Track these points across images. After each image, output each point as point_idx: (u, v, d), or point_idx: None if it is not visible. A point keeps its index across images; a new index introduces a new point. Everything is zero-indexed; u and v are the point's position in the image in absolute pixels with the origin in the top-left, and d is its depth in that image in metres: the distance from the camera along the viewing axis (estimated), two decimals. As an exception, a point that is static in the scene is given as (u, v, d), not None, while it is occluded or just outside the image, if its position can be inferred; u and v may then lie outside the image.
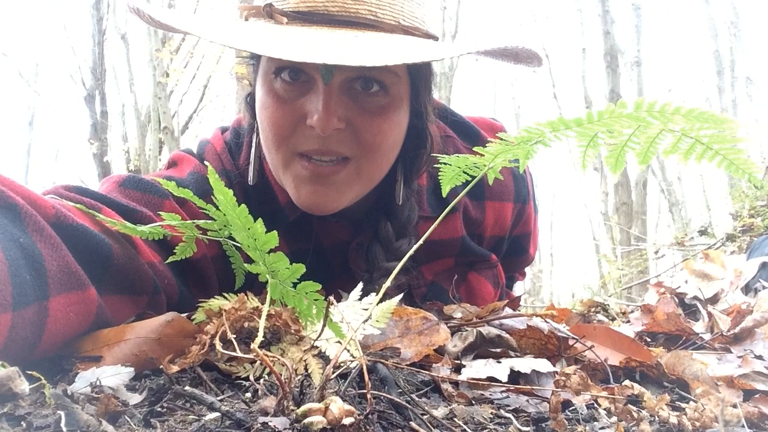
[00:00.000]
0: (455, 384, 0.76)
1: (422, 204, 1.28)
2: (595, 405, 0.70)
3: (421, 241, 0.73)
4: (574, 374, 0.69)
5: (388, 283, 0.70)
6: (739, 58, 14.35)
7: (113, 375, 0.66)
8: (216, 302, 0.83)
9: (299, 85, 1.05)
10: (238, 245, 0.67)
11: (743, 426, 0.61)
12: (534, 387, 0.76)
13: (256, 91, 1.13)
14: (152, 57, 10.58)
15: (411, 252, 0.72)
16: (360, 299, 0.85)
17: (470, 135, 1.36)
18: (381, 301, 0.74)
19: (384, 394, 0.63)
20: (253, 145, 1.21)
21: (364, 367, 0.58)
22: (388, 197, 1.22)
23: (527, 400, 0.71)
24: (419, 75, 1.12)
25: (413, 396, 0.67)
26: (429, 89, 1.18)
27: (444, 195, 0.88)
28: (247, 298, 0.83)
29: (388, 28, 0.98)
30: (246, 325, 0.79)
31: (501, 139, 0.72)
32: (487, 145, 0.74)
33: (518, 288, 1.87)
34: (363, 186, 1.13)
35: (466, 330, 0.92)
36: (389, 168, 1.16)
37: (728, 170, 0.61)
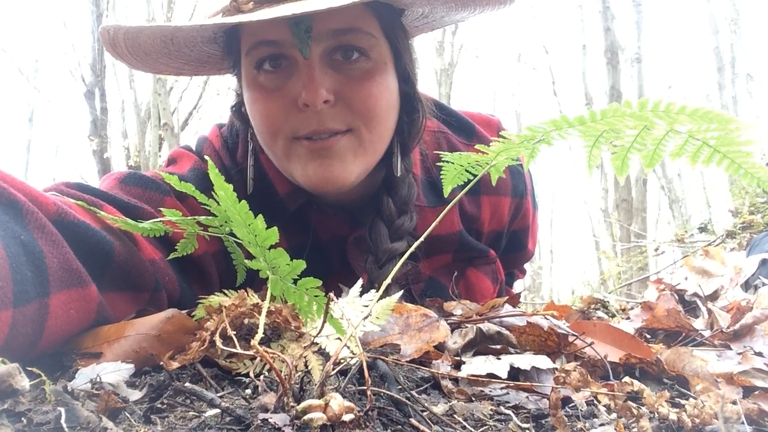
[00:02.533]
0: (455, 380, 0.76)
1: (418, 195, 1.28)
2: (595, 402, 0.70)
3: (422, 238, 0.73)
4: (574, 371, 0.69)
5: (388, 280, 0.70)
6: (739, 54, 14.34)
7: (113, 371, 0.67)
8: (216, 299, 0.83)
9: (282, 72, 1.07)
10: (239, 241, 0.67)
11: (743, 423, 0.61)
12: (534, 384, 0.76)
13: (243, 94, 1.14)
14: (152, 53, 10.54)
15: (420, 241, 0.73)
16: (360, 295, 0.85)
17: (464, 129, 1.36)
18: (382, 296, 0.74)
19: (384, 391, 0.63)
20: (249, 143, 1.22)
21: (364, 364, 0.58)
22: (387, 176, 1.23)
23: (527, 397, 0.72)
24: (396, 35, 1.13)
25: (413, 392, 0.68)
26: (409, 51, 1.19)
27: (446, 195, 0.88)
28: (247, 295, 0.83)
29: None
30: (246, 321, 0.79)
31: (502, 137, 0.72)
32: (485, 141, 0.74)
33: (518, 285, 1.87)
34: (366, 158, 1.13)
35: (466, 327, 0.92)
36: (389, 138, 1.17)
37: (736, 174, 0.61)
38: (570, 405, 0.68)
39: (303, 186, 1.13)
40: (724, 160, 0.61)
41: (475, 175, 0.81)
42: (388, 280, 0.70)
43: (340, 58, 1.06)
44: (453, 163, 0.81)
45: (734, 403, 0.66)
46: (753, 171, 0.60)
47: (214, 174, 0.64)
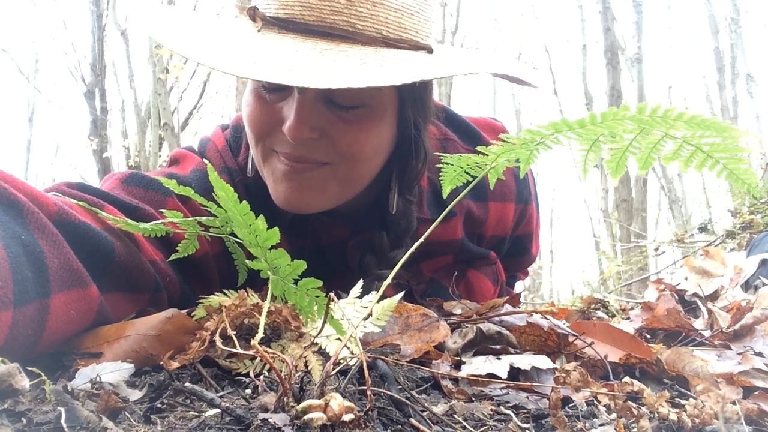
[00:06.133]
0: (455, 380, 0.76)
1: (422, 207, 1.27)
2: (595, 402, 0.70)
3: (417, 244, 0.73)
4: (574, 371, 0.69)
5: (388, 281, 0.70)
6: (739, 55, 14.36)
7: (113, 371, 0.67)
8: (216, 299, 0.83)
9: (280, 93, 1.04)
10: (241, 242, 0.67)
11: (743, 423, 0.61)
12: (534, 384, 0.76)
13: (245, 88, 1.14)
14: (152, 53, 10.58)
15: (403, 259, 0.72)
16: (360, 297, 0.85)
17: (471, 136, 1.36)
18: (380, 299, 0.74)
19: (384, 391, 0.63)
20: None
21: (364, 364, 0.59)
22: (385, 198, 1.21)
23: (527, 397, 0.72)
24: (405, 86, 1.04)
25: (413, 392, 0.68)
26: (419, 101, 1.12)
27: (444, 196, 0.87)
28: (247, 295, 0.83)
29: (367, 40, 0.93)
30: (246, 321, 0.79)
31: (503, 140, 0.72)
32: (488, 145, 0.74)
33: (518, 285, 1.88)
34: (343, 189, 1.10)
35: (466, 327, 0.92)
36: (374, 175, 1.14)
37: (728, 179, 0.61)
38: (570, 405, 0.69)
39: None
40: (716, 165, 0.62)
41: (474, 178, 0.81)
42: (388, 281, 0.70)
43: (337, 100, 1.01)
44: (452, 165, 0.81)
45: (734, 403, 0.66)
46: (744, 177, 0.61)
47: (214, 176, 0.64)
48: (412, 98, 1.11)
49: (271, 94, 1.05)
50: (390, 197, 1.18)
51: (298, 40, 0.93)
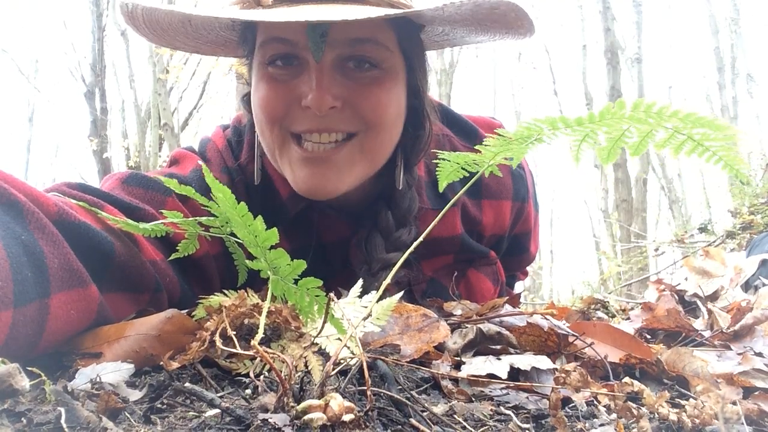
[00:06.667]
0: (455, 381, 0.76)
1: (422, 197, 1.28)
2: (595, 402, 0.70)
3: (421, 238, 0.73)
4: (574, 371, 0.69)
5: (388, 280, 0.70)
6: (739, 55, 14.37)
7: (113, 371, 0.67)
8: (216, 299, 0.83)
9: (292, 69, 1.07)
10: (241, 242, 0.67)
11: (743, 423, 0.61)
12: (534, 384, 0.76)
13: (251, 83, 1.14)
14: (152, 53, 10.58)
15: (412, 248, 0.72)
16: (360, 296, 0.85)
17: (469, 134, 1.36)
18: (381, 297, 0.74)
19: (384, 391, 0.63)
20: (256, 143, 1.21)
21: (364, 364, 0.59)
22: (389, 187, 1.22)
23: (527, 397, 0.72)
24: (411, 50, 1.13)
25: (413, 393, 0.68)
26: (423, 67, 1.18)
27: (441, 190, 0.88)
28: (247, 295, 0.83)
29: (374, 2, 1.00)
30: (246, 321, 0.79)
31: (498, 134, 0.72)
32: (485, 142, 0.74)
33: (518, 286, 1.88)
34: (365, 166, 1.12)
35: (466, 327, 0.92)
36: (392, 149, 1.16)
37: (716, 165, 0.62)
38: (570, 405, 0.69)
39: (293, 188, 1.13)
40: (705, 152, 0.62)
41: (472, 174, 0.80)
42: (388, 280, 0.70)
43: (352, 66, 1.06)
44: (449, 161, 0.81)
45: (734, 403, 0.66)
46: (732, 162, 0.61)
47: (210, 177, 0.64)
48: (420, 67, 1.16)
49: (284, 74, 1.07)
50: (396, 173, 1.20)
51: (310, 6, 0.98)
